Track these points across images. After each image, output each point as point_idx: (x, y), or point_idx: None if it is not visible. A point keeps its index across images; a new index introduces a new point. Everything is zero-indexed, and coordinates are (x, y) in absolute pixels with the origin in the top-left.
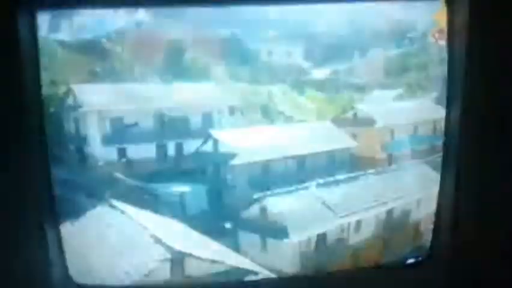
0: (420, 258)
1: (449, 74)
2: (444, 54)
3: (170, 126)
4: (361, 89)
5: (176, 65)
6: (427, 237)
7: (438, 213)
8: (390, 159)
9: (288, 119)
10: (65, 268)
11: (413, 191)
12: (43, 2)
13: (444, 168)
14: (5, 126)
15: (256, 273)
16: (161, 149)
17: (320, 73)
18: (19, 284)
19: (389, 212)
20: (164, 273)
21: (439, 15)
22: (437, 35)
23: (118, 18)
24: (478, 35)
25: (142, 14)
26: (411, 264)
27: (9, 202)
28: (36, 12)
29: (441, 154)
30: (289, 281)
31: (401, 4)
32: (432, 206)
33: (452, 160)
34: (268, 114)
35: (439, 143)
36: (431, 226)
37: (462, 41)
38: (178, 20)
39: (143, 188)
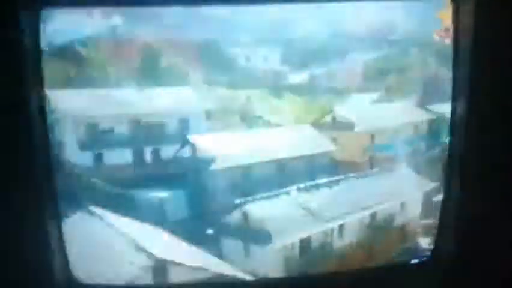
0: (424, 259)
1: (454, 73)
2: (426, 56)
3: (146, 131)
4: (340, 92)
5: (152, 70)
6: (414, 240)
7: (442, 214)
8: (372, 163)
9: (267, 124)
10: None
11: (397, 194)
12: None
13: (449, 169)
14: (7, 127)
15: (240, 280)
16: (138, 154)
17: (297, 77)
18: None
19: (373, 216)
20: (148, 281)
21: (444, 14)
22: (442, 33)
23: (92, 23)
24: (483, 33)
25: (117, 19)
26: (414, 265)
27: (11, 203)
28: (40, 11)
29: (424, 156)
30: (277, 286)
31: (399, 4)
32: (417, 209)
33: (457, 161)
34: (246, 118)
35: (422, 145)
36: (418, 229)
37: (467, 40)
38: (154, 24)
39: (121, 194)
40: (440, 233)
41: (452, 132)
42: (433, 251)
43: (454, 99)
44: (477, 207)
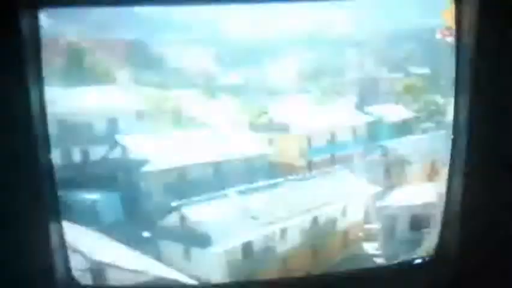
0: (427, 259)
1: (456, 72)
2: (364, 57)
3: (73, 131)
4: (275, 93)
5: (77, 69)
6: (358, 244)
7: (446, 212)
8: (310, 166)
9: (201, 125)
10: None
11: (337, 198)
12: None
13: (452, 168)
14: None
15: (183, 284)
16: (66, 155)
17: (231, 78)
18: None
19: (314, 219)
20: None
21: (447, 13)
22: (444, 32)
23: None
24: (487, 31)
25: (41, 17)
26: (417, 264)
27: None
28: (39, 11)
29: (363, 160)
30: None
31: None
32: (360, 214)
33: (460, 160)
34: (179, 119)
35: (360, 148)
36: (361, 234)
37: (470, 39)
38: (79, 22)
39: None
40: (444, 233)
41: (455, 131)
42: (437, 251)
43: (456, 98)
44: (480, 207)
